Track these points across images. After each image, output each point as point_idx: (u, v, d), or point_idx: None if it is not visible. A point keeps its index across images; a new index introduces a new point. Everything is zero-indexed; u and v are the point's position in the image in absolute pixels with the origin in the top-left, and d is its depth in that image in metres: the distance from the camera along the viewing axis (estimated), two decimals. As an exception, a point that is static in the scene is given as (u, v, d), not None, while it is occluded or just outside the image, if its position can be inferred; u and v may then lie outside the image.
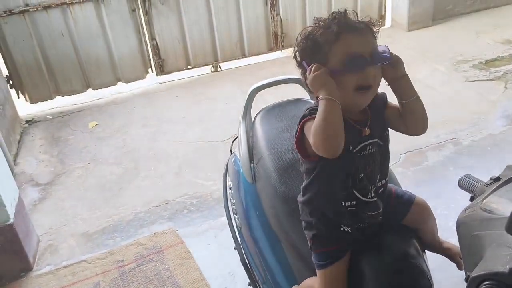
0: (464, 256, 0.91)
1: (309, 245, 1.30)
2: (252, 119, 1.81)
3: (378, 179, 1.27)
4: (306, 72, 1.21)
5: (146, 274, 2.46)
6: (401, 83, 1.24)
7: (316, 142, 1.12)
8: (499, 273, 0.72)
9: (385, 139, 1.28)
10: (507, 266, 0.71)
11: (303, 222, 1.32)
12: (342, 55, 1.14)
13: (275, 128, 1.66)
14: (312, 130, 1.13)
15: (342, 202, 1.24)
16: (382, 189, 1.29)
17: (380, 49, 1.19)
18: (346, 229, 1.26)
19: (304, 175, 1.30)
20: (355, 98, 1.18)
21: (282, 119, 1.70)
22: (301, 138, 1.22)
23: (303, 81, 1.29)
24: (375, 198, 1.27)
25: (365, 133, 1.21)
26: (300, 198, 1.33)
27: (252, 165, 1.64)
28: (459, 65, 4.32)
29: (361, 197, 1.23)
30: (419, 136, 1.32)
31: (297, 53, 1.27)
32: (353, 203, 1.23)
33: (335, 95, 1.13)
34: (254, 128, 1.74)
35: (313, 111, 1.18)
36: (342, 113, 1.14)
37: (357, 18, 1.22)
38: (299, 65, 1.27)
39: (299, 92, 1.88)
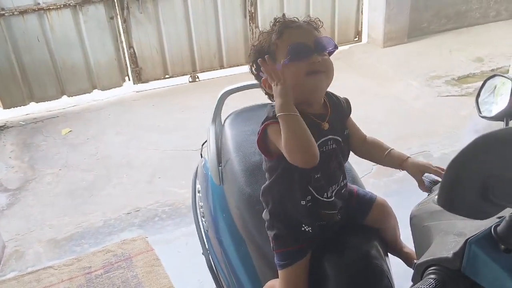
0: (415, 246, 0.93)
1: (271, 245, 1.30)
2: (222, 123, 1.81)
3: (341, 179, 1.28)
4: (264, 81, 1.26)
5: (113, 281, 2.42)
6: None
7: (294, 157, 1.12)
8: (443, 259, 0.73)
9: (345, 138, 1.30)
10: (451, 252, 0.72)
11: (265, 221, 1.32)
12: (286, 48, 1.20)
13: (243, 131, 1.67)
14: (285, 148, 1.12)
15: (301, 201, 1.24)
16: (344, 189, 1.31)
17: (325, 39, 1.24)
18: (307, 229, 1.26)
19: (266, 174, 1.31)
20: (308, 82, 1.20)
21: (251, 123, 1.71)
22: (263, 138, 1.22)
23: (262, 90, 1.33)
24: (333, 198, 1.27)
25: (324, 127, 1.23)
26: (262, 196, 1.32)
27: (220, 167, 1.64)
28: (432, 81, 4.41)
29: (316, 195, 1.24)
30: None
31: (252, 67, 1.32)
32: (309, 198, 1.24)
33: (293, 109, 1.14)
34: (223, 131, 1.74)
35: (274, 115, 1.18)
36: (301, 106, 1.17)
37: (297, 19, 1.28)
38: (257, 77, 1.32)
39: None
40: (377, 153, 1.36)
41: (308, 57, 1.19)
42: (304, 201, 1.24)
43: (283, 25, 1.24)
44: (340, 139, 1.27)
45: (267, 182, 1.30)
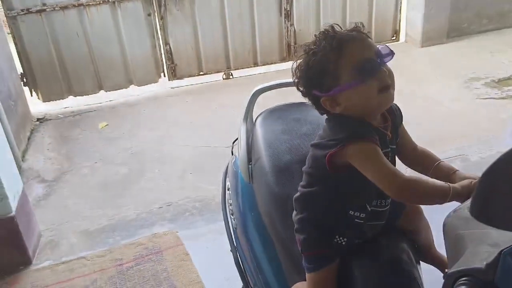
0: (448, 255, 0.90)
1: (299, 247, 1.28)
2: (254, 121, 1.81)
3: None
4: (318, 100, 1.21)
5: (143, 274, 2.46)
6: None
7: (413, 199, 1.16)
8: (475, 269, 0.70)
9: (396, 147, 1.28)
10: (484, 262, 0.69)
11: (295, 224, 1.29)
12: (353, 66, 1.13)
13: (275, 130, 1.66)
14: (418, 192, 1.12)
15: (350, 212, 1.22)
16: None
17: (382, 49, 1.19)
18: (340, 241, 1.24)
19: (311, 179, 1.26)
20: (381, 100, 1.17)
21: (283, 122, 1.70)
22: (336, 154, 1.16)
23: (315, 107, 1.27)
24: (387, 207, 1.26)
25: (389, 137, 1.21)
26: (298, 201, 1.29)
27: (250, 165, 1.64)
28: (471, 83, 4.28)
29: (370, 209, 1.22)
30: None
31: (299, 83, 1.25)
32: (363, 215, 1.22)
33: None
34: (254, 129, 1.73)
35: (357, 134, 1.15)
36: (368, 119, 1.18)
37: (342, 29, 1.21)
38: (307, 95, 1.26)
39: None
40: (425, 164, 1.31)
41: (376, 73, 1.14)
42: (356, 213, 1.22)
43: (339, 42, 1.16)
44: (394, 148, 1.25)
45: (309, 189, 1.26)
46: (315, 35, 1.21)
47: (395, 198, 1.13)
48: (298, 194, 1.30)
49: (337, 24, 1.21)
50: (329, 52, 1.16)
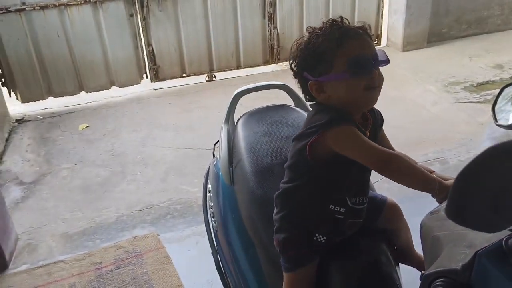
0: (425, 257, 0.91)
1: (277, 247, 1.28)
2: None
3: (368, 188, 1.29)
4: (307, 83, 1.23)
5: (123, 277, 2.43)
6: None
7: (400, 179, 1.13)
8: (451, 271, 0.71)
9: None
10: (460, 264, 0.70)
11: (275, 222, 1.30)
12: (347, 60, 1.16)
13: (256, 132, 1.66)
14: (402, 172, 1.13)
15: (331, 206, 1.23)
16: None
17: (379, 53, 1.21)
18: (319, 239, 1.24)
19: (290, 174, 1.28)
20: (366, 97, 1.20)
21: (264, 124, 1.70)
22: (316, 141, 1.18)
23: (301, 91, 1.30)
24: (364, 205, 1.27)
25: (367, 136, 1.22)
26: (279, 198, 1.30)
27: (231, 168, 1.63)
28: (451, 87, 4.35)
29: (350, 204, 1.23)
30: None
31: (294, 64, 1.27)
32: (343, 210, 1.23)
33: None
34: (236, 132, 1.73)
35: (335, 120, 1.16)
36: (351, 115, 1.18)
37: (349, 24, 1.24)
38: (298, 76, 1.27)
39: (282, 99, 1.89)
40: None
41: (367, 72, 1.17)
42: (336, 208, 1.23)
43: (344, 33, 1.19)
44: None
45: (291, 184, 1.27)
46: (323, 21, 1.23)
47: (379, 171, 1.13)
48: (279, 190, 1.31)
49: (346, 18, 1.24)
50: (331, 39, 1.18)
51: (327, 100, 1.22)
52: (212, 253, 1.78)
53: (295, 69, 1.28)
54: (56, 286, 2.41)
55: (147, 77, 4.78)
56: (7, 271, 2.52)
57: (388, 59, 1.21)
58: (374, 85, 1.18)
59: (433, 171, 1.26)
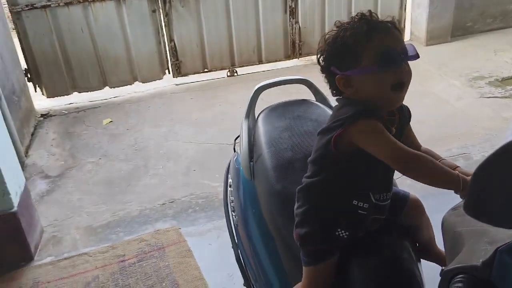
0: (446, 252, 0.90)
1: (297, 242, 1.28)
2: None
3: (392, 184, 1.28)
4: (334, 77, 1.22)
5: (145, 270, 2.47)
6: None
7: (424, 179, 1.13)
8: (472, 267, 0.70)
9: None
10: (480, 260, 0.69)
11: (296, 217, 1.30)
12: (376, 53, 1.15)
13: (276, 127, 1.66)
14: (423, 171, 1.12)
15: (354, 201, 1.22)
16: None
17: (408, 47, 1.20)
18: (341, 234, 1.24)
19: (315, 168, 1.27)
20: (391, 97, 1.19)
21: (285, 119, 1.70)
22: (342, 135, 1.17)
23: (328, 86, 1.28)
24: (387, 202, 1.27)
25: (392, 132, 1.21)
26: (302, 191, 1.29)
27: (252, 162, 1.64)
28: (475, 81, 4.26)
29: (374, 201, 1.23)
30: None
31: (321, 58, 1.27)
32: (366, 205, 1.22)
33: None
34: (256, 127, 1.74)
35: (361, 114, 1.15)
36: (378, 112, 1.17)
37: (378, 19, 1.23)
38: (325, 70, 1.27)
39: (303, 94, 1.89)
40: None
41: (397, 66, 1.16)
42: (360, 203, 1.22)
43: (373, 27, 1.18)
44: None
45: (314, 178, 1.26)
46: (351, 16, 1.23)
47: (401, 171, 1.12)
48: (302, 185, 1.30)
49: (375, 13, 1.23)
50: (359, 33, 1.17)
51: (354, 94, 1.21)
52: (233, 247, 1.79)
53: (322, 63, 1.27)
54: (79, 278, 2.46)
55: (169, 73, 4.82)
56: (32, 262, 2.59)
57: (417, 53, 1.19)
58: (403, 79, 1.17)
59: (457, 166, 1.24)
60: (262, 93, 1.84)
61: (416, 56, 1.19)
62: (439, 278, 0.87)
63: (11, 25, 4.28)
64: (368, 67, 1.16)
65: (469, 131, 3.53)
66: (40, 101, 4.51)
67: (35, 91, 4.45)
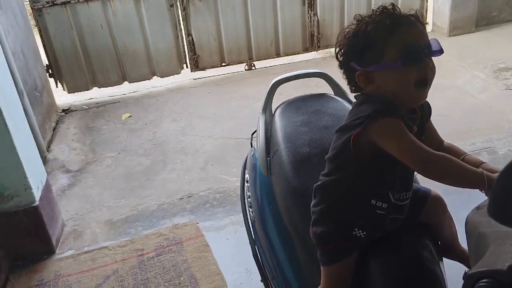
0: (470, 254, 0.86)
1: (313, 240, 1.25)
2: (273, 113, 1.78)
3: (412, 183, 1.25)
4: (353, 73, 1.19)
5: (164, 264, 2.47)
6: None
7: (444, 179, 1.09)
8: (497, 271, 0.67)
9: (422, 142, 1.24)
10: (507, 264, 0.66)
11: (312, 214, 1.27)
12: (400, 49, 1.11)
13: (293, 122, 1.63)
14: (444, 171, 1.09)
15: (372, 201, 1.19)
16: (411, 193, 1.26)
17: (432, 42, 1.15)
18: (359, 234, 1.21)
19: (333, 166, 1.24)
20: (415, 94, 1.15)
21: (302, 113, 1.67)
22: (361, 133, 1.13)
23: (347, 82, 1.25)
24: (408, 201, 1.23)
25: (414, 131, 1.17)
26: (320, 189, 1.26)
27: (269, 158, 1.61)
28: (501, 73, 4.15)
29: (393, 200, 1.19)
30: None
31: (340, 53, 1.22)
32: (385, 205, 1.19)
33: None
34: (273, 121, 1.71)
35: (382, 112, 1.12)
36: (399, 109, 1.13)
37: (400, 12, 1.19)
38: (344, 66, 1.23)
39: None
40: None
41: (420, 62, 1.12)
42: (378, 203, 1.19)
43: (395, 21, 1.13)
44: None
45: (332, 177, 1.23)
46: (372, 9, 1.18)
47: (421, 172, 1.09)
48: (319, 182, 1.27)
49: (398, 6, 1.18)
50: (381, 27, 1.13)
51: (376, 91, 1.17)
52: (250, 243, 1.78)
53: (341, 59, 1.23)
54: (99, 271, 2.48)
55: (187, 67, 4.82)
56: (54, 256, 2.62)
57: (441, 49, 1.15)
58: (426, 76, 1.13)
59: (482, 162, 1.20)
60: (280, 87, 1.81)
61: (441, 51, 1.15)
62: (462, 279, 0.84)
63: (32, 22, 4.32)
64: (390, 63, 1.12)
65: (494, 125, 3.43)
66: (62, 97, 4.58)
67: (56, 87, 4.51)
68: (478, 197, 1.10)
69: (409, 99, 1.16)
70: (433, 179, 1.08)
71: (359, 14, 1.21)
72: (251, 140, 1.94)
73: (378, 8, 1.18)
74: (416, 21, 1.15)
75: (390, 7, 1.17)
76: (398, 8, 1.18)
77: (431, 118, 1.31)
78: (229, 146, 3.55)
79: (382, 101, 1.15)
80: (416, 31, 1.14)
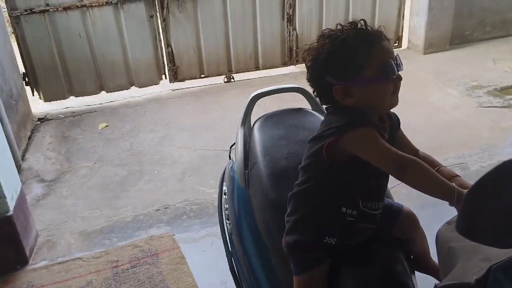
0: (440, 267, 0.89)
1: (285, 249, 1.28)
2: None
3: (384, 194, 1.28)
4: (327, 87, 1.22)
5: (138, 277, 2.45)
6: None
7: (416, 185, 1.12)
8: (465, 284, 0.69)
9: None
10: (474, 278, 0.68)
11: (286, 223, 1.29)
12: (380, 64, 1.17)
13: (272, 136, 1.65)
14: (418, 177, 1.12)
15: (343, 208, 1.22)
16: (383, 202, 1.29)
17: (398, 57, 1.24)
18: (329, 241, 1.24)
19: (306, 175, 1.27)
20: (392, 101, 1.23)
21: (280, 127, 1.69)
22: (334, 143, 1.17)
23: (316, 94, 1.29)
24: (379, 210, 1.27)
25: (385, 138, 1.21)
26: (293, 198, 1.29)
27: (247, 171, 1.63)
28: (473, 90, 4.27)
29: (362, 208, 1.23)
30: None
31: (313, 65, 1.25)
32: (354, 212, 1.22)
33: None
34: (252, 134, 1.73)
35: (355, 122, 1.17)
36: (373, 117, 1.21)
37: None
38: (317, 80, 1.25)
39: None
40: None
41: (395, 74, 1.19)
42: (348, 210, 1.22)
43: (371, 36, 1.20)
44: None
45: (304, 185, 1.27)
46: (340, 24, 1.24)
47: (395, 176, 1.12)
48: (293, 191, 1.31)
49: (365, 20, 1.25)
50: (359, 44, 1.18)
51: (354, 104, 1.21)
52: (226, 255, 1.78)
53: (313, 72, 1.25)
54: (73, 282, 2.44)
55: (166, 78, 4.82)
56: (27, 266, 2.57)
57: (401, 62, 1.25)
58: (399, 87, 1.22)
59: (456, 175, 1.24)
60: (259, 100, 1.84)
61: (402, 64, 1.24)
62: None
63: (10, 29, 4.27)
64: (373, 78, 1.18)
65: (467, 141, 3.52)
66: (38, 105, 4.51)
67: (33, 95, 4.45)
68: (453, 211, 1.13)
69: (387, 106, 1.24)
70: (407, 183, 1.12)
71: (328, 29, 1.24)
72: (230, 152, 1.95)
73: (348, 23, 1.23)
74: (385, 37, 1.22)
75: (362, 22, 1.23)
76: (365, 22, 1.24)
77: (404, 131, 1.37)
78: (207, 157, 3.55)
79: (354, 112, 1.19)
80: (389, 47, 1.21)
